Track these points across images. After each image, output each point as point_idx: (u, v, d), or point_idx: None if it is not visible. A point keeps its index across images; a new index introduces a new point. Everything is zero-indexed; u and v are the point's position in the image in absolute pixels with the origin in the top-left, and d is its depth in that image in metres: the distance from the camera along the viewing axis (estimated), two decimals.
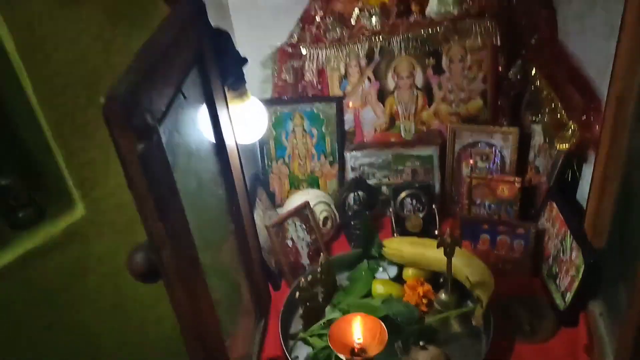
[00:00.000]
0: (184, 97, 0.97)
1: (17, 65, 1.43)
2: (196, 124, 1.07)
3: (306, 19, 1.63)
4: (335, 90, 1.73)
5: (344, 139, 1.78)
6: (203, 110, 1.10)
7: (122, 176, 0.84)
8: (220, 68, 1.14)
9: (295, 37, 1.65)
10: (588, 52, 1.44)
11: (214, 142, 1.16)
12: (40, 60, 1.44)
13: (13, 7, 1.36)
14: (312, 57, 1.66)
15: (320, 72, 1.70)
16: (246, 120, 1.26)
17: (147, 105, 0.81)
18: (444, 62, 1.66)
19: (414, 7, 1.18)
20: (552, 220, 1.46)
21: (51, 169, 1.59)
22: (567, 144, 1.36)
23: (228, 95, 1.19)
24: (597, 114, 1.31)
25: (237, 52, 1.18)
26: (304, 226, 1.61)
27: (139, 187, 0.79)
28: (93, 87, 1.60)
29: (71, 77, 1.53)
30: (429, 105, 1.72)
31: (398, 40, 1.61)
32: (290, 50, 1.67)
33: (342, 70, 1.69)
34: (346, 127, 1.77)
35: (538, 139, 1.59)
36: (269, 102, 1.72)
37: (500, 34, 1.58)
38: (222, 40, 1.13)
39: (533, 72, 1.58)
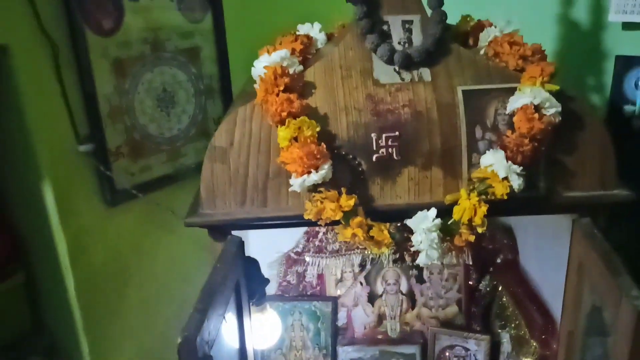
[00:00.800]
0: (225, 321, 1.21)
1: (64, 266, 1.67)
2: (228, 338, 1.29)
3: (311, 232, 1.94)
4: (331, 291, 1.99)
5: (337, 334, 2.00)
6: (234, 325, 1.33)
7: None
8: (248, 288, 1.39)
9: (301, 247, 1.95)
10: (544, 278, 1.73)
11: (238, 349, 1.38)
12: (84, 263, 1.68)
13: (69, 221, 1.63)
14: (314, 264, 1.94)
15: (320, 276, 1.97)
16: (264, 330, 1.48)
17: (206, 337, 1.05)
18: (425, 273, 1.95)
19: (407, 258, 1.52)
20: None
21: (74, 354, 1.76)
22: (530, 359, 1.61)
23: (252, 309, 1.43)
24: (554, 335, 1.57)
25: (262, 275, 1.44)
26: None
27: None
28: (122, 282, 1.83)
29: (105, 275, 1.77)
30: (412, 309, 1.98)
31: (387, 254, 1.92)
32: (295, 257, 1.96)
33: (339, 275, 1.97)
34: (339, 323, 2.00)
35: (507, 346, 1.83)
36: (272, 298, 1.96)
37: (471, 255, 1.90)
38: (252, 267, 1.40)
39: (500, 287, 1.88)
